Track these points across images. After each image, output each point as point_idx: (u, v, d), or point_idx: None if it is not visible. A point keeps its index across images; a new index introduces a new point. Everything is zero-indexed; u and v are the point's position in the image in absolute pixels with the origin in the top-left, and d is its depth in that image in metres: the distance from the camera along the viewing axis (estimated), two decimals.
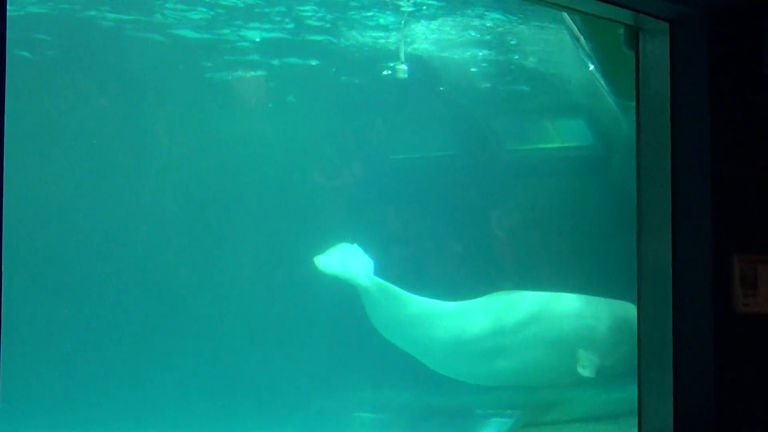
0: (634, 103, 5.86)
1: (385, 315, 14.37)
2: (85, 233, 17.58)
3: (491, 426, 14.77)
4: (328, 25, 16.51)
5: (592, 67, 10.34)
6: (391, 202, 18.06)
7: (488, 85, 17.91)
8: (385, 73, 17.57)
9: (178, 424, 16.01)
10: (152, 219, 17.92)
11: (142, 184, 17.94)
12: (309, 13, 16.06)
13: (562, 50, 15.37)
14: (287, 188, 18.66)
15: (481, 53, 17.22)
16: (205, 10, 15.99)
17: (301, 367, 16.75)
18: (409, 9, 15.60)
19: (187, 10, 15.98)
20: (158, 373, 16.73)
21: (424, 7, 15.52)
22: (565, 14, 9.42)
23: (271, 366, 16.85)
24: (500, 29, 16.19)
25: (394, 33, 16.48)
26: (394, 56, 16.83)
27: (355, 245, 15.08)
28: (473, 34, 16.43)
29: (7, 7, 3.05)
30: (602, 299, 13.52)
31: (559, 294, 13.79)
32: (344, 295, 14.77)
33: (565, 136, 17.25)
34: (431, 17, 15.93)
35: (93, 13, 16.01)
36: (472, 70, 17.73)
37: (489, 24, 15.99)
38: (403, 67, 16.13)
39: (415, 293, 14.36)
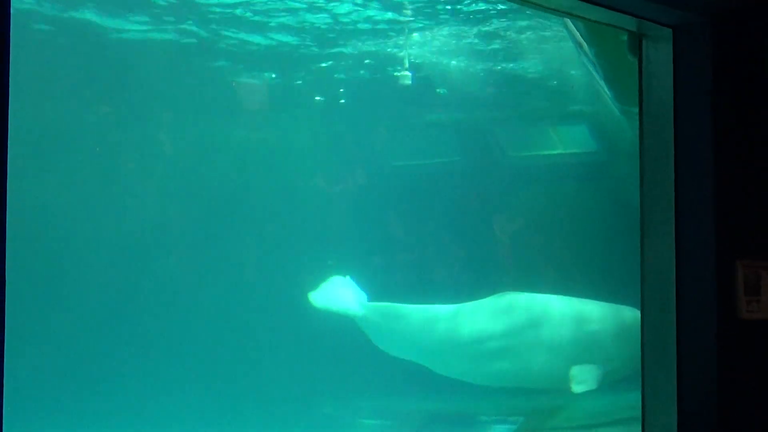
0: (637, 109, 5.86)
1: (388, 334, 14.42)
2: (87, 241, 17.58)
3: None
4: (332, 33, 16.54)
5: (594, 73, 10.35)
6: (393, 207, 18.07)
7: (491, 91, 17.91)
8: (389, 78, 17.60)
9: (184, 430, 16.01)
10: (156, 224, 17.92)
11: (145, 190, 17.94)
12: (313, 20, 16.09)
13: (565, 57, 15.38)
14: (289, 194, 18.66)
15: (483, 60, 17.24)
16: (210, 15, 16.02)
17: (306, 374, 16.74)
18: (413, 16, 15.63)
19: (191, 15, 16.00)
20: (166, 380, 16.73)
21: (427, 15, 15.53)
22: (568, 21, 9.43)
23: (277, 373, 16.84)
24: (502, 36, 16.19)
25: (397, 40, 16.50)
26: (398, 63, 16.85)
27: (347, 278, 15.12)
28: (475, 41, 16.44)
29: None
30: (605, 303, 13.52)
31: (562, 297, 13.80)
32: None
33: (568, 142, 17.25)
34: (434, 25, 15.95)
35: (94, 18, 16.03)
36: (475, 77, 17.74)
37: (491, 31, 16.00)
38: (407, 73, 16.15)
39: (417, 299, 14.40)
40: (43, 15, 15.82)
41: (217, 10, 15.81)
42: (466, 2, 14.94)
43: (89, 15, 15.91)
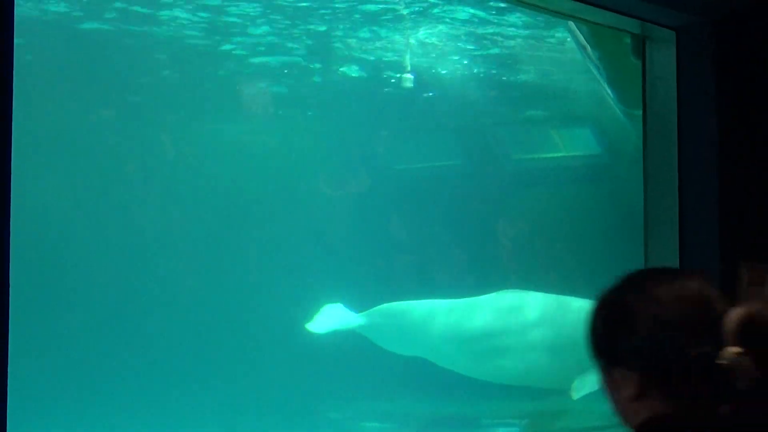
0: (640, 112, 5.86)
1: (391, 333, 14.45)
2: (89, 244, 17.59)
3: None
4: (333, 37, 16.54)
5: (598, 75, 10.34)
6: (395, 210, 18.07)
7: (493, 94, 17.90)
8: (391, 82, 17.61)
9: None
10: (157, 227, 17.93)
11: (147, 193, 17.95)
12: (315, 24, 16.09)
13: (568, 59, 15.37)
14: (291, 197, 18.66)
15: (486, 63, 17.23)
16: (211, 18, 16.02)
17: (308, 377, 16.73)
18: (414, 19, 15.63)
19: (193, 18, 16.01)
20: (166, 383, 16.71)
21: (429, 18, 15.54)
22: (571, 23, 9.43)
23: (279, 377, 16.83)
24: (506, 39, 16.19)
25: (399, 43, 16.50)
26: (400, 66, 16.85)
27: (339, 304, 15.16)
28: (478, 43, 16.44)
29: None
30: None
31: (564, 296, 13.81)
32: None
33: (571, 145, 17.24)
34: (436, 27, 15.94)
35: (97, 21, 16.05)
36: (476, 79, 17.74)
37: (495, 33, 16.00)
38: (409, 76, 16.15)
39: (419, 297, 14.48)
40: (46, 20, 15.84)
41: (223, 13, 15.83)
42: (466, 6, 14.93)
43: (89, 17, 15.92)
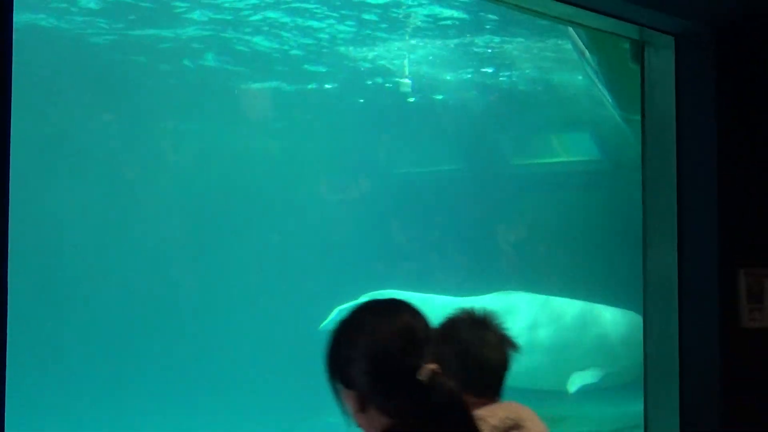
0: (639, 117, 5.86)
1: None
2: (90, 248, 17.60)
3: None
4: (334, 44, 16.55)
5: (597, 81, 10.35)
6: (397, 214, 18.09)
7: (493, 99, 17.92)
8: (388, 86, 17.62)
9: None
10: (158, 232, 17.94)
11: (148, 198, 17.96)
12: (315, 31, 16.11)
13: (567, 65, 15.39)
14: (293, 201, 18.68)
15: (486, 68, 17.25)
16: (212, 25, 16.03)
17: (306, 382, 16.72)
18: (413, 26, 15.64)
19: (193, 23, 16.02)
20: (166, 386, 16.72)
21: (429, 24, 15.54)
22: (570, 29, 9.44)
23: (279, 381, 16.84)
24: (505, 45, 16.20)
25: (398, 49, 16.51)
26: (398, 72, 16.86)
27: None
28: (478, 50, 16.45)
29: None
30: (607, 306, 13.54)
31: (563, 298, 13.83)
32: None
33: (570, 150, 17.25)
34: (436, 33, 15.95)
35: (97, 27, 16.06)
36: (477, 85, 17.76)
37: (495, 40, 16.01)
38: (407, 81, 16.16)
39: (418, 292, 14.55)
40: (43, 25, 15.85)
41: (223, 16, 15.84)
42: (466, 12, 14.93)
43: (90, 21, 15.93)
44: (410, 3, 14.86)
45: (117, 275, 17.28)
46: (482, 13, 14.76)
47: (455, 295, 14.73)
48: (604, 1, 5.17)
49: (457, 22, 15.44)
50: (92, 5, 15.34)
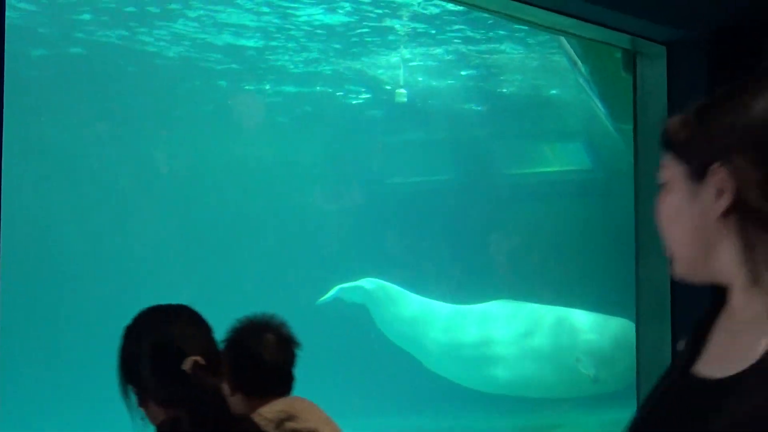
0: (631, 126, 5.87)
1: (388, 313, 14.59)
2: (84, 255, 17.58)
3: None
4: (328, 52, 16.57)
5: (589, 90, 10.37)
6: (390, 224, 18.10)
7: (485, 109, 17.94)
8: (383, 96, 17.63)
9: None
10: (154, 238, 17.93)
11: (143, 205, 17.95)
12: (309, 39, 16.12)
13: (559, 74, 15.41)
14: (286, 211, 18.67)
15: (479, 78, 17.27)
16: (206, 34, 16.04)
17: (322, 392, 16.69)
18: (408, 36, 15.66)
19: (187, 33, 16.03)
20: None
21: (423, 34, 15.57)
22: (562, 38, 9.46)
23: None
24: (499, 54, 16.23)
25: (393, 59, 16.53)
26: (393, 82, 16.87)
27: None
28: (472, 59, 16.47)
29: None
30: (599, 314, 13.56)
31: (558, 307, 13.85)
32: (366, 320, 14.91)
33: (563, 159, 17.28)
34: (430, 43, 15.98)
35: (93, 36, 16.06)
36: (469, 94, 17.78)
37: (487, 49, 16.04)
38: (403, 91, 16.17)
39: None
40: (40, 34, 15.85)
41: (214, 27, 15.85)
42: (459, 23, 14.96)
43: (85, 32, 15.93)
44: (404, 12, 14.89)
45: (112, 280, 17.26)
46: (476, 23, 14.78)
47: (449, 301, 14.78)
48: (596, 11, 5.18)
49: (451, 32, 15.47)
50: (85, 16, 15.36)
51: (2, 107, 3.26)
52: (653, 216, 5.78)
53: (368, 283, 14.74)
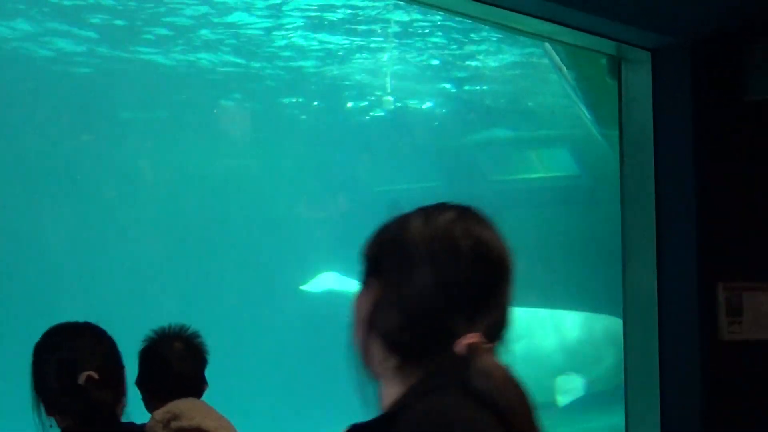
0: (617, 132, 5.88)
1: None
2: (69, 265, 17.53)
3: None
4: (313, 60, 16.56)
5: (575, 96, 10.39)
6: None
7: (472, 116, 17.96)
8: (365, 104, 17.63)
9: None
10: (138, 249, 17.88)
11: (126, 216, 17.91)
12: (294, 47, 16.11)
13: (545, 81, 15.44)
14: (271, 221, 18.65)
15: (465, 84, 17.29)
16: (186, 45, 16.03)
17: (306, 399, 16.67)
18: (393, 44, 15.67)
19: (169, 44, 16.00)
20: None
21: (408, 42, 15.58)
22: (548, 45, 9.47)
23: (270, 398, 16.80)
24: (484, 60, 16.25)
25: (379, 67, 16.53)
26: (379, 90, 16.88)
27: (337, 274, 15.30)
28: (456, 66, 16.49)
29: None
30: (585, 313, 13.59)
31: (546, 309, 13.88)
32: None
33: (548, 166, 17.30)
34: (415, 51, 15.99)
35: (73, 48, 16.02)
36: (455, 101, 17.80)
37: (472, 56, 16.06)
38: (390, 98, 16.18)
39: None
40: (22, 46, 15.82)
41: (200, 35, 15.82)
42: (445, 30, 14.97)
43: (64, 44, 15.90)
44: (390, 19, 14.90)
45: (98, 291, 17.22)
46: (461, 30, 14.80)
47: None
48: (581, 17, 5.19)
49: (436, 38, 15.48)
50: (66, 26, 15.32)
51: None
52: (640, 221, 5.76)
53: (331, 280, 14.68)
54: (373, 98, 17.47)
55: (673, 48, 5.61)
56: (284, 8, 14.56)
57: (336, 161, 18.69)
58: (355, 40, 15.61)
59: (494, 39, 15.01)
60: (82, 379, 3.19)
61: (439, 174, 18.21)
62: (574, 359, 13.22)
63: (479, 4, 4.88)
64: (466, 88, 17.36)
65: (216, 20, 15.10)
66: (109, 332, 3.39)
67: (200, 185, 18.51)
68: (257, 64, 16.77)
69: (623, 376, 5.77)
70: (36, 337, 3.42)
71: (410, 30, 15.13)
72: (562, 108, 15.33)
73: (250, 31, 15.55)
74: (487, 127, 18.00)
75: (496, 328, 2.12)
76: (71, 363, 3.22)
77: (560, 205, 16.76)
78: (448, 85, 17.40)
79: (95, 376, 3.22)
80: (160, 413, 3.71)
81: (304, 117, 18.43)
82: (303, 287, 15.43)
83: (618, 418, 5.93)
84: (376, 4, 13.88)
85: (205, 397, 3.90)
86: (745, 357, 5.59)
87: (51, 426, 3.21)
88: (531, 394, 1.96)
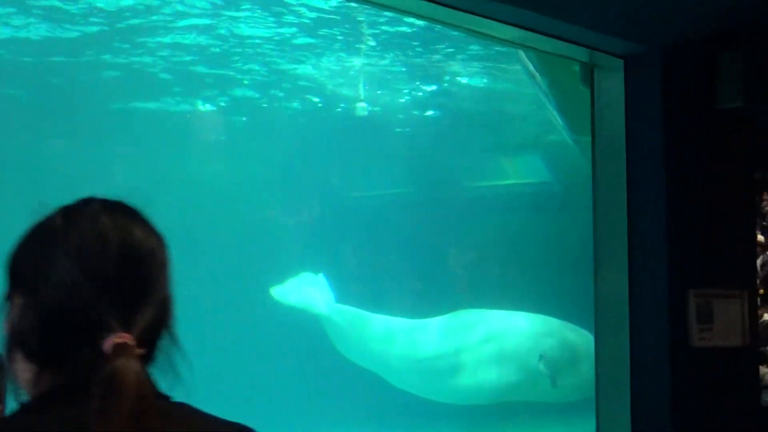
0: (590, 139, 5.90)
1: (349, 337, 14.55)
2: None
3: None
4: (288, 65, 16.53)
5: (547, 103, 10.42)
6: (350, 237, 18.08)
7: (445, 123, 17.98)
8: (344, 109, 17.62)
9: None
10: None
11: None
12: (268, 53, 16.07)
13: (518, 87, 15.47)
14: (245, 227, 18.60)
15: (437, 91, 17.31)
16: (166, 47, 15.96)
17: (293, 405, 16.62)
18: (367, 49, 15.66)
19: (143, 47, 15.94)
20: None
21: (381, 48, 15.57)
22: (521, 52, 9.49)
23: (262, 404, 16.74)
24: (456, 66, 16.27)
25: (351, 73, 16.52)
26: (354, 95, 16.88)
27: (320, 275, 15.25)
28: (429, 73, 16.50)
29: None
30: (559, 320, 13.66)
31: (517, 312, 13.93)
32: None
33: (521, 172, 17.34)
34: (388, 58, 15.99)
35: (51, 53, 15.95)
36: (428, 108, 17.82)
37: (445, 61, 16.07)
38: (363, 104, 16.18)
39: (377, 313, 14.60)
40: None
41: (171, 41, 15.76)
42: (418, 37, 14.97)
43: (43, 48, 15.82)
44: (363, 24, 14.89)
45: None
46: (434, 36, 14.80)
47: (410, 317, 14.76)
48: (554, 24, 5.21)
49: (408, 45, 15.48)
50: (42, 32, 15.24)
51: None
52: (611, 228, 5.76)
53: (328, 308, 14.68)
54: (345, 105, 17.46)
55: (645, 56, 5.63)
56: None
57: (310, 167, 18.66)
58: (328, 45, 15.59)
59: (467, 45, 15.02)
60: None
61: (412, 180, 18.23)
62: (548, 356, 13.27)
63: (451, 10, 4.89)
64: (439, 94, 17.37)
65: (183, 23, 15.08)
66: None
67: (172, 191, 18.42)
68: (231, 69, 16.73)
69: (594, 383, 5.78)
70: None
71: (384, 36, 15.12)
72: (534, 114, 15.38)
73: (221, 32, 15.52)
74: (460, 134, 18.02)
75: (152, 330, 1.95)
76: None
77: (532, 211, 16.81)
78: (420, 93, 17.41)
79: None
80: None
81: (278, 122, 18.39)
82: (274, 290, 15.38)
83: (589, 425, 5.95)
84: (350, 6, 13.87)
85: (182, 400, 3.78)
86: (715, 363, 5.62)
87: None
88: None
